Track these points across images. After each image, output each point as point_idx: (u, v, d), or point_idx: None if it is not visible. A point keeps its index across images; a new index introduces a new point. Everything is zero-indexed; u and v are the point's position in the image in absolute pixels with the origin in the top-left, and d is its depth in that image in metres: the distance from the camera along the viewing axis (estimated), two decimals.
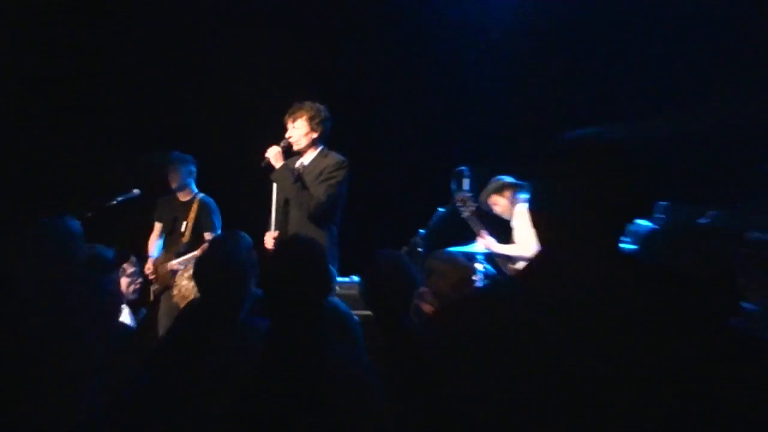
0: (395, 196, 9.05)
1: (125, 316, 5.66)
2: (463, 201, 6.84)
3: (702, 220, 6.48)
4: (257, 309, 3.77)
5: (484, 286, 2.27)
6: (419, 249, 6.86)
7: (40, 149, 8.00)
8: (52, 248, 2.44)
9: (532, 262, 1.96)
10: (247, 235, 4.07)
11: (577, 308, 1.81)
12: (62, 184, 7.66)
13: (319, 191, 6.31)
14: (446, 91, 9.31)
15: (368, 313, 4.23)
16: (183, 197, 7.77)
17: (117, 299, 4.60)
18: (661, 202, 6.89)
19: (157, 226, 7.92)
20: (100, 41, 8.72)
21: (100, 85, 8.74)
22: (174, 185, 7.75)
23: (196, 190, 7.81)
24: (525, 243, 6.87)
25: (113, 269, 4.64)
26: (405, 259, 4.32)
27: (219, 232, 7.58)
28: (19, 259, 2.40)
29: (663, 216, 7.00)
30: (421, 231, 6.97)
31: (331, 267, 5.07)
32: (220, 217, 7.70)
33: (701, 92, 8.20)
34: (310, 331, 3.24)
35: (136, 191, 7.40)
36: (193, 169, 7.78)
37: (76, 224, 2.51)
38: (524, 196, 7.06)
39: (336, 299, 4.45)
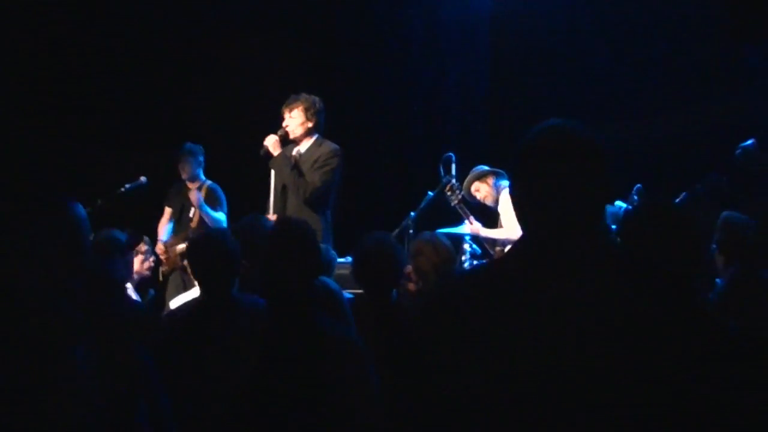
0: (387, 182, 9.10)
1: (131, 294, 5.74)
2: (451, 190, 7.00)
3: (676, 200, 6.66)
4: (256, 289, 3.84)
5: (466, 268, 2.28)
6: (410, 231, 6.98)
7: (51, 139, 8.09)
8: (62, 234, 2.54)
9: (514, 245, 1.93)
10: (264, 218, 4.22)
11: (557, 291, 1.81)
12: (72, 173, 7.79)
13: (314, 178, 6.42)
14: (435, 80, 9.33)
15: (360, 291, 4.39)
16: (192, 185, 7.83)
17: (122, 280, 4.78)
18: (636, 186, 7.17)
19: (167, 211, 7.99)
20: (113, 35, 8.76)
21: (107, 78, 8.78)
22: (185, 176, 7.82)
23: (203, 179, 7.88)
24: (510, 227, 6.98)
25: (127, 251, 4.85)
26: (393, 240, 4.56)
27: (225, 217, 7.67)
28: (28, 245, 2.39)
29: (637, 198, 7.23)
30: (412, 213, 7.08)
31: (331, 249, 5.27)
32: (225, 204, 7.74)
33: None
34: (303, 307, 3.31)
35: (143, 179, 7.49)
36: (202, 159, 7.83)
37: (82, 210, 2.60)
38: (505, 182, 7.14)
39: (327, 278, 4.53)
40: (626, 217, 2.88)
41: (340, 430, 3.13)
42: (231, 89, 9.00)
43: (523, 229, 1.94)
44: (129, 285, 5.36)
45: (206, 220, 7.52)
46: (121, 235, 4.67)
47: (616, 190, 7.01)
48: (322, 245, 4.86)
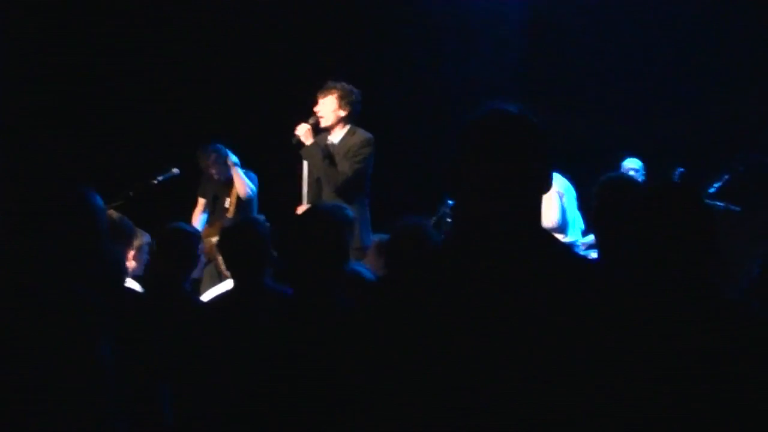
0: (426, 169, 8.98)
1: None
2: None
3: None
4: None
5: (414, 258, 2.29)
6: (447, 219, 7.04)
7: (76, 132, 8.14)
8: (79, 224, 2.56)
9: (449, 237, 2.04)
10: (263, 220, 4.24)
11: (489, 284, 1.83)
12: (101, 165, 7.78)
13: (345, 167, 6.44)
14: (476, 68, 9.35)
15: None
16: (220, 177, 7.86)
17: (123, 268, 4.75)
18: (678, 169, 7.12)
19: (201, 202, 8.02)
20: (141, 30, 8.82)
21: (137, 70, 8.84)
22: (218, 177, 7.82)
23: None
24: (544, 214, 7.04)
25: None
26: (428, 225, 4.53)
27: (255, 201, 7.72)
28: (46, 238, 2.45)
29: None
30: (450, 201, 7.02)
31: (364, 237, 5.24)
32: (256, 188, 7.78)
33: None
34: (327, 296, 3.29)
35: (175, 170, 7.52)
36: (229, 152, 7.79)
37: (99, 200, 2.63)
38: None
39: (360, 265, 4.58)
40: (636, 199, 2.86)
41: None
42: (264, 78, 9.04)
43: (457, 218, 2.05)
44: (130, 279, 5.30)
45: (238, 182, 7.58)
46: (129, 224, 4.67)
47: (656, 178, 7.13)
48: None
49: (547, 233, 2.01)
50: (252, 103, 9.02)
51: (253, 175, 7.84)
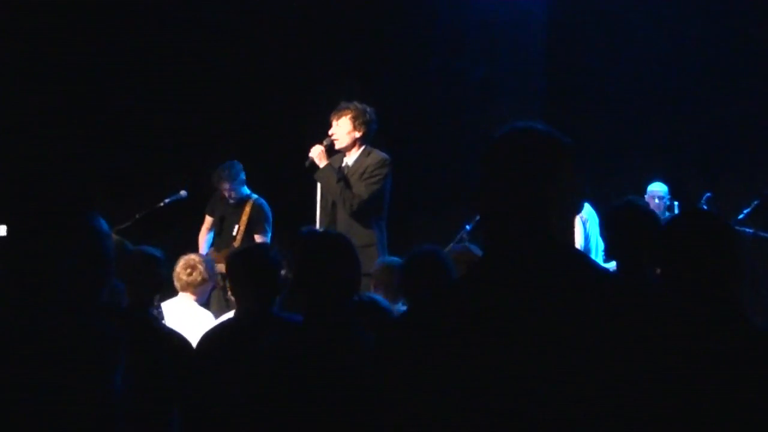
0: (437, 187, 9.09)
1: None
2: None
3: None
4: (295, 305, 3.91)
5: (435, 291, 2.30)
6: (466, 245, 6.80)
7: (81, 152, 8.15)
8: (84, 248, 2.56)
9: (475, 264, 1.98)
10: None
11: (517, 308, 1.81)
12: (107, 187, 7.72)
13: (360, 189, 6.43)
14: (488, 85, 9.32)
15: None
16: (232, 200, 7.80)
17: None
18: (706, 194, 7.03)
19: (208, 220, 7.95)
20: (145, 46, 8.85)
21: (142, 90, 8.85)
22: (232, 201, 7.76)
23: (248, 193, 7.83)
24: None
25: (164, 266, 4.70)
26: (443, 254, 4.51)
27: (269, 235, 7.69)
28: (51, 261, 2.49)
29: (706, 207, 7.16)
30: (467, 226, 7.06)
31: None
32: (271, 221, 7.73)
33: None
34: (340, 325, 3.28)
35: (183, 193, 7.53)
36: (243, 175, 7.75)
37: (104, 224, 2.63)
38: None
39: (376, 294, 4.53)
40: (665, 227, 2.98)
41: None
42: (274, 96, 9.01)
43: (485, 240, 1.95)
44: None
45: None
46: (155, 250, 4.57)
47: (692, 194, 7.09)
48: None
49: (584, 256, 1.98)
50: (266, 125, 9.02)
51: (263, 201, 7.80)
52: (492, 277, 1.88)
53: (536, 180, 1.89)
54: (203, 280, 5.65)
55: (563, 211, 1.92)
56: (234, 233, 7.72)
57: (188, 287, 5.62)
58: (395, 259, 5.07)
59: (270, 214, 7.72)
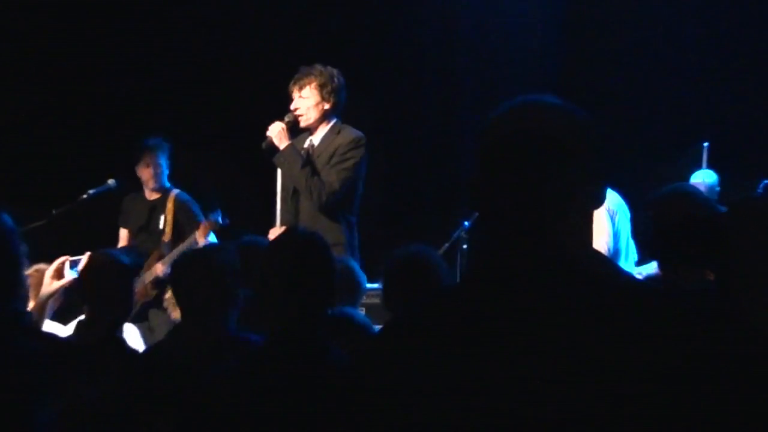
0: (432, 181, 9.17)
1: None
2: None
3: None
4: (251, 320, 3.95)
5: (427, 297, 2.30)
6: (464, 246, 7.02)
7: None
8: None
9: (469, 269, 2.00)
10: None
11: (518, 327, 1.81)
12: (17, 175, 7.81)
13: (331, 176, 6.43)
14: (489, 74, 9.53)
15: None
16: (152, 195, 7.89)
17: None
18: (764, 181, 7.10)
19: (123, 234, 8.01)
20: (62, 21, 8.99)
21: (57, 57, 8.97)
22: (151, 184, 7.84)
23: (168, 185, 7.91)
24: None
25: (133, 276, 4.85)
26: (435, 256, 4.55)
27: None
28: None
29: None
30: (466, 223, 7.09)
31: (358, 269, 5.25)
32: (201, 214, 7.73)
33: None
34: (309, 346, 3.33)
35: (111, 182, 7.53)
36: (167, 159, 7.85)
37: (9, 220, 2.65)
38: None
39: (353, 309, 4.61)
40: (723, 221, 2.95)
41: None
42: (217, 62, 9.09)
43: (483, 238, 1.95)
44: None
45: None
46: (123, 257, 4.62)
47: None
48: (346, 263, 5.02)
49: (605, 258, 1.95)
50: (208, 96, 9.06)
51: (188, 197, 7.85)
52: (486, 288, 1.88)
53: (544, 165, 1.88)
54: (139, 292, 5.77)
55: (580, 203, 1.91)
56: (161, 226, 7.78)
57: None
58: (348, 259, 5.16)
59: (199, 213, 7.73)
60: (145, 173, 7.82)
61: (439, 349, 1.83)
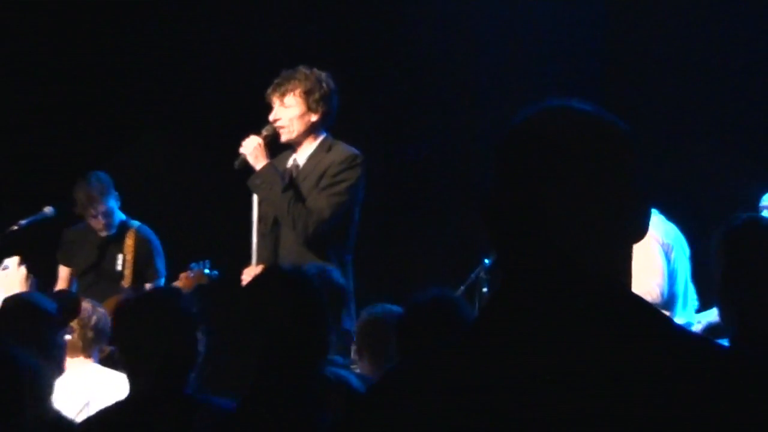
0: (444, 210, 9.18)
1: None
2: None
3: None
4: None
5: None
6: (483, 288, 7.03)
7: None
8: None
9: (486, 306, 2.00)
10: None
11: (555, 380, 1.83)
12: None
13: (320, 202, 6.41)
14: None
15: None
16: (105, 230, 7.92)
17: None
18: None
19: (64, 273, 8.05)
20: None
21: None
22: (104, 231, 7.88)
23: (124, 217, 7.95)
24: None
25: (59, 326, 4.84)
26: (457, 300, 4.62)
27: (164, 276, 7.81)
28: None
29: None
30: (486, 260, 7.10)
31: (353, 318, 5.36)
32: (164, 257, 7.85)
33: None
34: (295, 416, 3.35)
35: (48, 210, 7.59)
36: (115, 192, 7.89)
37: None
38: None
39: (345, 371, 4.54)
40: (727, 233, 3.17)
41: None
42: (183, 64, 9.20)
43: (501, 269, 1.98)
44: None
45: None
46: (48, 302, 4.71)
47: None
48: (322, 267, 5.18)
49: (645, 304, 1.94)
50: (169, 105, 9.19)
51: (149, 231, 7.93)
52: (514, 337, 1.89)
53: (568, 183, 1.90)
54: (96, 337, 5.84)
55: (615, 232, 1.93)
56: (119, 267, 7.83)
57: (78, 344, 5.77)
58: (389, 308, 5.17)
59: (160, 246, 7.84)
60: (95, 223, 7.89)
61: (462, 407, 1.85)
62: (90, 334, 5.82)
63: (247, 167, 6.54)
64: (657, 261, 6.77)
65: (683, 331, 1.96)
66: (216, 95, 8.73)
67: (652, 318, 1.90)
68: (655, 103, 9.34)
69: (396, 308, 5.04)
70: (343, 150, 6.55)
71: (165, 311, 4.11)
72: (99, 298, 7.32)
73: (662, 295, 6.79)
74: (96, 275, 7.93)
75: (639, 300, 1.92)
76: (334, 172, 6.46)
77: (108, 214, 7.82)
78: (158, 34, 9.38)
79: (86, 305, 5.88)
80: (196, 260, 7.30)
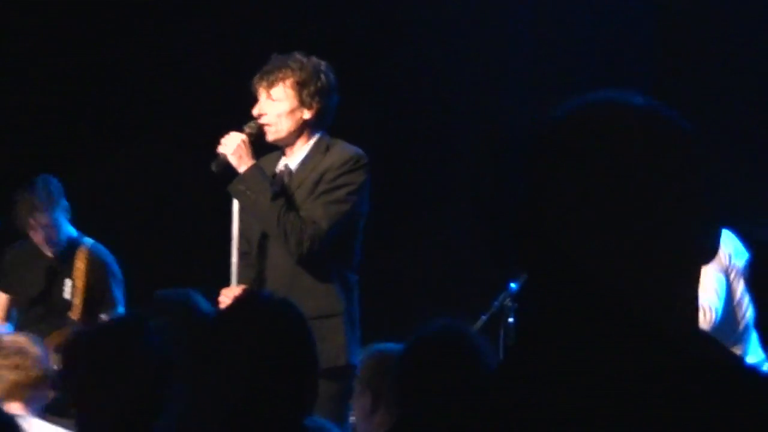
0: (464, 223, 9.11)
1: None
2: None
3: None
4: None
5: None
6: (509, 318, 7.04)
7: None
8: None
9: (513, 347, 2.06)
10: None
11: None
12: None
13: (317, 212, 6.36)
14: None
15: None
16: (51, 249, 7.87)
17: None
18: None
19: (2, 301, 8.04)
20: None
21: None
22: (47, 249, 7.86)
23: (75, 233, 7.88)
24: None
25: None
26: (472, 334, 4.67)
27: (122, 305, 7.76)
28: None
29: None
30: (513, 285, 7.10)
31: (351, 349, 5.71)
32: (122, 281, 7.82)
33: None
34: None
35: None
36: (65, 201, 7.83)
37: None
38: None
39: (327, 422, 4.55)
40: None
41: None
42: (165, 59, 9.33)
43: (533, 297, 2.00)
44: None
45: None
46: None
47: None
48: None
49: (713, 341, 1.96)
50: (134, 96, 9.32)
51: (104, 249, 7.92)
52: (549, 381, 1.89)
53: (625, 192, 1.89)
54: (38, 378, 5.83)
55: (679, 254, 1.91)
56: (67, 295, 7.80)
57: (16, 390, 5.77)
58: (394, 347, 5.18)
59: (117, 269, 7.83)
60: (36, 236, 7.89)
61: None
62: (27, 377, 5.78)
63: (227, 170, 6.45)
64: (715, 284, 6.90)
65: (759, 380, 1.92)
66: (190, 85, 8.80)
67: (720, 365, 1.90)
68: (720, 100, 9.38)
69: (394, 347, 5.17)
70: (344, 150, 6.53)
71: (124, 347, 4.12)
72: (42, 333, 7.36)
73: (716, 314, 6.89)
74: (43, 307, 7.93)
75: (705, 342, 1.93)
76: (334, 176, 6.43)
77: (51, 228, 7.76)
78: (116, 23, 9.51)
79: (22, 342, 5.89)
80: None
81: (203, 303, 4.92)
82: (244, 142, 6.43)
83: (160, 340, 4.22)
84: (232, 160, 6.41)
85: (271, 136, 6.50)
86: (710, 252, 1.94)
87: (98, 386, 4.05)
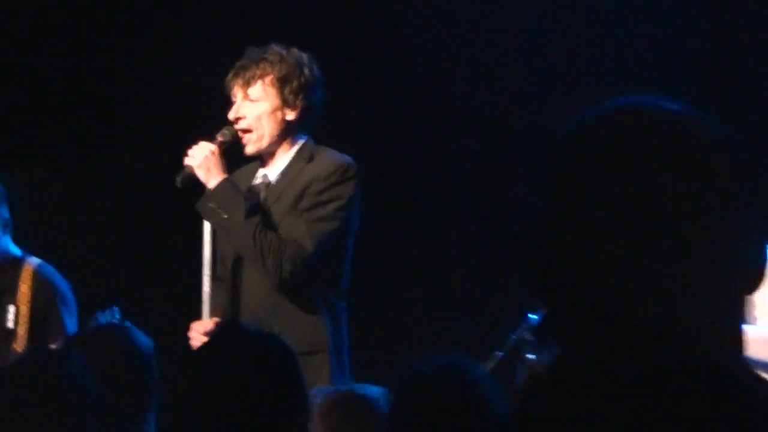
0: (474, 243, 9.09)
1: None
2: None
3: None
4: None
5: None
6: (528, 354, 6.92)
7: None
8: None
9: (531, 388, 2.08)
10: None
11: None
12: None
13: (299, 230, 6.32)
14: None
15: None
16: None
17: None
18: None
19: None
20: None
21: None
22: None
23: (18, 252, 7.75)
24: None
25: None
26: (478, 378, 4.55)
27: (74, 327, 7.61)
28: None
29: None
30: (532, 316, 6.90)
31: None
32: (74, 305, 7.68)
33: None
34: None
35: None
36: (6, 212, 7.68)
37: None
38: None
39: None
40: None
41: None
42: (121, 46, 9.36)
43: (554, 331, 2.07)
44: None
45: None
46: None
47: None
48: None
49: (748, 368, 2.02)
50: (91, 102, 9.30)
51: (52, 270, 7.75)
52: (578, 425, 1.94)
53: (658, 217, 1.95)
54: None
55: (722, 280, 1.96)
56: (10, 324, 7.67)
57: None
58: (370, 389, 5.20)
59: (69, 293, 7.71)
60: None
61: None
62: None
63: (194, 185, 6.34)
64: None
65: None
66: (154, 88, 8.82)
67: (750, 394, 1.92)
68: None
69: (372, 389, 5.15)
70: (331, 158, 6.49)
71: (46, 383, 4.13)
72: None
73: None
74: None
75: (740, 369, 1.97)
76: (319, 189, 6.38)
77: None
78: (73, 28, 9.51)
79: None
80: (106, 307, 7.05)
81: (141, 337, 4.91)
82: (213, 153, 6.35)
83: (86, 377, 4.16)
84: (200, 174, 6.37)
85: (251, 147, 6.45)
86: (757, 277, 1.97)
87: (16, 428, 4.06)
